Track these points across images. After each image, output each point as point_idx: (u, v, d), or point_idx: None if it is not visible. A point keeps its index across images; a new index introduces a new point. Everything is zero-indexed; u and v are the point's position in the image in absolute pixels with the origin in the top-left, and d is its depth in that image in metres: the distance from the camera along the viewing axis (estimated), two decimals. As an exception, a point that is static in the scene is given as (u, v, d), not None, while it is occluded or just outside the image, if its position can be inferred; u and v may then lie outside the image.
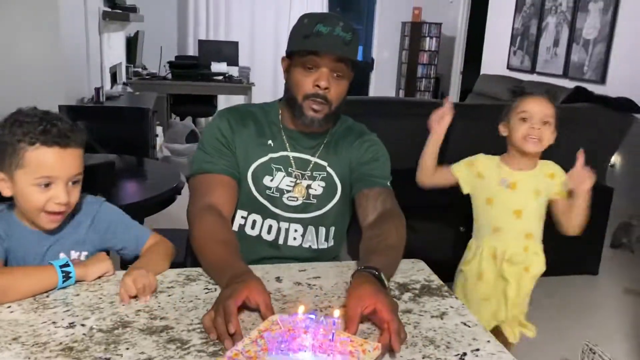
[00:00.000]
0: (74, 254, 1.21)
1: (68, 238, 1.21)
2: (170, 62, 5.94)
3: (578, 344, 2.00)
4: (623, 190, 4.19)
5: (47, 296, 1.07)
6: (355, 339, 0.89)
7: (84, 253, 1.23)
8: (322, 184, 1.42)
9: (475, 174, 1.79)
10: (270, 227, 1.41)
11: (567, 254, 3.24)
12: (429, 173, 1.77)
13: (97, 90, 3.89)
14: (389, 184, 1.43)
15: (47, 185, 1.10)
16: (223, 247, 1.21)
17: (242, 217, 1.42)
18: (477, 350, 0.96)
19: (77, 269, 1.10)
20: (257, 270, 1.19)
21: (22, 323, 0.98)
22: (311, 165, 1.42)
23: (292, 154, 1.41)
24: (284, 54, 1.40)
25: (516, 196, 1.71)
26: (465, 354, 0.94)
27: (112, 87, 4.89)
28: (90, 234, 1.23)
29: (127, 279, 1.06)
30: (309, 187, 1.41)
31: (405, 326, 1.02)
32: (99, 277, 1.15)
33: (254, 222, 1.41)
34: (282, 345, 0.84)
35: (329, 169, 1.43)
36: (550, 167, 1.76)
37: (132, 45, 5.91)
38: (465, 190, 1.80)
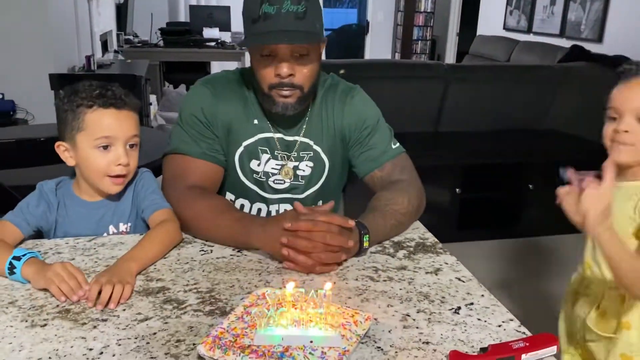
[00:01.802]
0: (122, 226, 1.23)
1: (116, 211, 1.23)
2: (161, 29, 5.83)
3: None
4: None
5: (44, 260, 1.07)
6: (346, 311, 0.87)
7: (129, 224, 1.24)
8: (310, 164, 1.36)
9: None
10: (259, 210, 1.38)
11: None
12: None
13: (88, 58, 3.84)
14: (393, 146, 1.36)
15: (106, 147, 1.14)
16: (232, 214, 1.18)
17: (230, 200, 1.38)
18: (472, 304, 0.97)
19: (27, 268, 0.98)
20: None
21: (18, 287, 0.98)
22: (297, 146, 1.34)
23: (276, 135, 1.33)
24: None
25: None
26: (459, 307, 0.95)
27: (103, 55, 4.82)
28: (132, 205, 1.24)
29: (94, 286, 0.94)
30: (296, 168, 1.36)
31: (399, 282, 1.03)
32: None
33: (242, 206, 1.38)
34: (270, 320, 0.81)
35: (315, 146, 1.35)
36: None
37: (122, 12, 5.79)
38: None
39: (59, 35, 3.71)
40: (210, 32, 5.89)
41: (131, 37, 5.87)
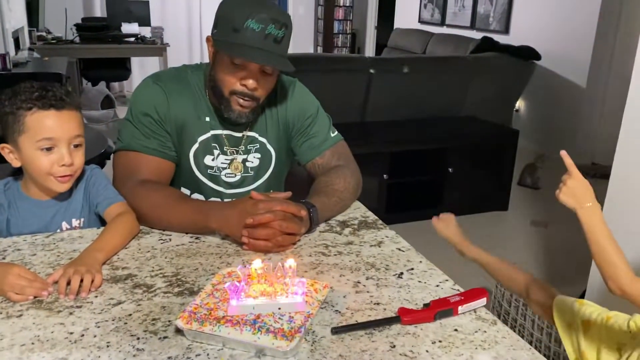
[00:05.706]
0: (75, 222, 1.26)
1: (68, 207, 1.25)
2: (77, 25, 5.65)
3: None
4: (527, 132, 4.56)
5: (4, 258, 1.09)
6: (307, 281, 0.96)
7: (82, 219, 1.27)
8: (258, 155, 1.43)
9: None
10: None
11: (480, 192, 3.55)
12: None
13: (3, 57, 3.68)
14: (332, 134, 1.47)
15: (49, 149, 1.15)
16: (188, 202, 1.27)
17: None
18: (412, 269, 1.10)
19: None
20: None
21: (-16, 284, 1.00)
22: (244, 140, 1.41)
23: (224, 132, 1.39)
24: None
25: None
26: (402, 273, 1.08)
27: (16, 54, 4.60)
28: (84, 201, 1.27)
29: (62, 280, 0.98)
30: (245, 160, 1.43)
31: (348, 255, 1.15)
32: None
33: None
34: (242, 293, 0.89)
35: (261, 138, 1.43)
36: None
37: (33, 7, 5.53)
38: None
39: (-31, 33, 3.53)
40: (129, 28, 5.77)
41: (44, 34, 5.63)
